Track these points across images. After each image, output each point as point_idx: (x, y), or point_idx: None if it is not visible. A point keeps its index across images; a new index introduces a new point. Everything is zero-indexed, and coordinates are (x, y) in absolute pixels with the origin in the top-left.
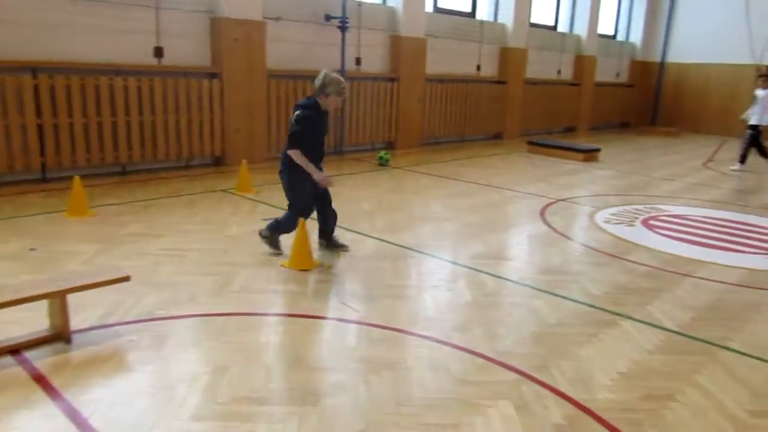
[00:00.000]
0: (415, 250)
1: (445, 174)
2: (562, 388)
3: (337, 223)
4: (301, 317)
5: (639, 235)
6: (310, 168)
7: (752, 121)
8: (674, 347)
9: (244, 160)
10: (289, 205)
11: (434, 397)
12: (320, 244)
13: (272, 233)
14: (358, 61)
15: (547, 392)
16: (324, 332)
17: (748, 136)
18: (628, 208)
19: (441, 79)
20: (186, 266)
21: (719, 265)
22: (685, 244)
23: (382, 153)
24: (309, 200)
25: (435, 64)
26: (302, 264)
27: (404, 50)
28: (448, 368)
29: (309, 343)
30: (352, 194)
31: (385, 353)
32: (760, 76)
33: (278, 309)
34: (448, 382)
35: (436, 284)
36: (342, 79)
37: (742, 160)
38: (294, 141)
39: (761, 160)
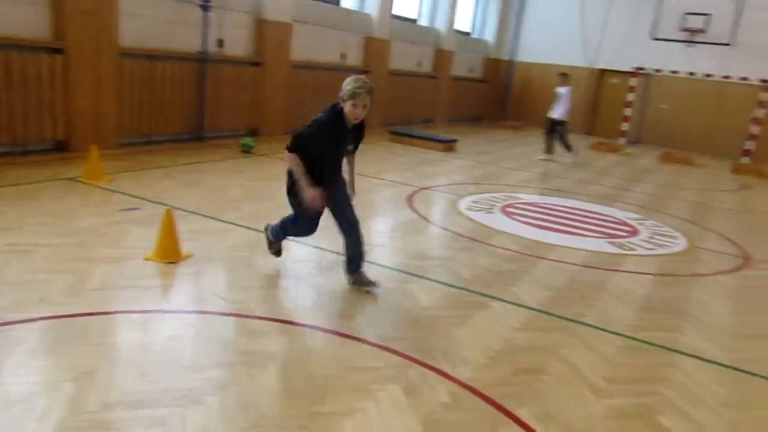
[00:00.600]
0: (287, 239)
1: None
2: (445, 368)
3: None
4: (172, 312)
5: (498, 221)
6: (302, 180)
7: (555, 116)
8: (538, 324)
9: (93, 146)
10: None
11: (324, 386)
12: (347, 279)
13: (275, 239)
14: (220, 43)
15: (431, 373)
16: (198, 327)
17: (559, 131)
18: (486, 196)
19: (307, 66)
20: (34, 264)
21: (568, 248)
22: (538, 229)
23: (246, 139)
24: (315, 217)
25: (301, 51)
26: (168, 256)
27: (269, 34)
28: (334, 356)
29: (183, 339)
30: (218, 182)
31: (267, 345)
32: (560, 74)
33: (146, 305)
34: (336, 369)
35: (312, 272)
36: (358, 81)
37: (569, 149)
38: (291, 142)
39: (544, 153)
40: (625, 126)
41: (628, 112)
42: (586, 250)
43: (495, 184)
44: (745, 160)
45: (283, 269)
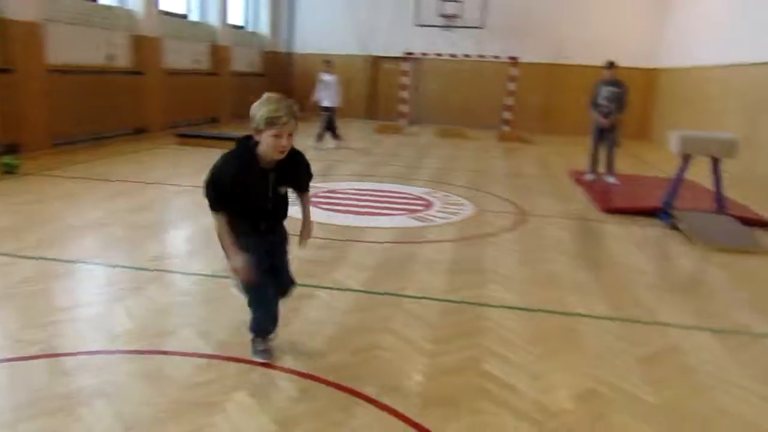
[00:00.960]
0: (84, 263)
1: (91, 176)
2: (286, 364)
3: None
4: None
5: None
6: (228, 248)
7: (325, 104)
8: (364, 304)
9: None
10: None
11: (166, 410)
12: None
13: (255, 336)
14: None
15: (275, 372)
16: None
17: (326, 117)
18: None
19: (69, 71)
20: None
21: (376, 228)
22: (345, 215)
23: (6, 158)
24: (261, 275)
25: (59, 54)
26: None
27: (15, 36)
28: (169, 377)
29: None
30: None
31: (88, 381)
32: (325, 62)
33: None
34: (174, 390)
35: (120, 294)
36: (271, 101)
37: (320, 138)
38: (206, 196)
39: (333, 141)
40: (403, 108)
41: (404, 94)
42: (392, 228)
43: None
44: (506, 128)
45: (86, 297)
